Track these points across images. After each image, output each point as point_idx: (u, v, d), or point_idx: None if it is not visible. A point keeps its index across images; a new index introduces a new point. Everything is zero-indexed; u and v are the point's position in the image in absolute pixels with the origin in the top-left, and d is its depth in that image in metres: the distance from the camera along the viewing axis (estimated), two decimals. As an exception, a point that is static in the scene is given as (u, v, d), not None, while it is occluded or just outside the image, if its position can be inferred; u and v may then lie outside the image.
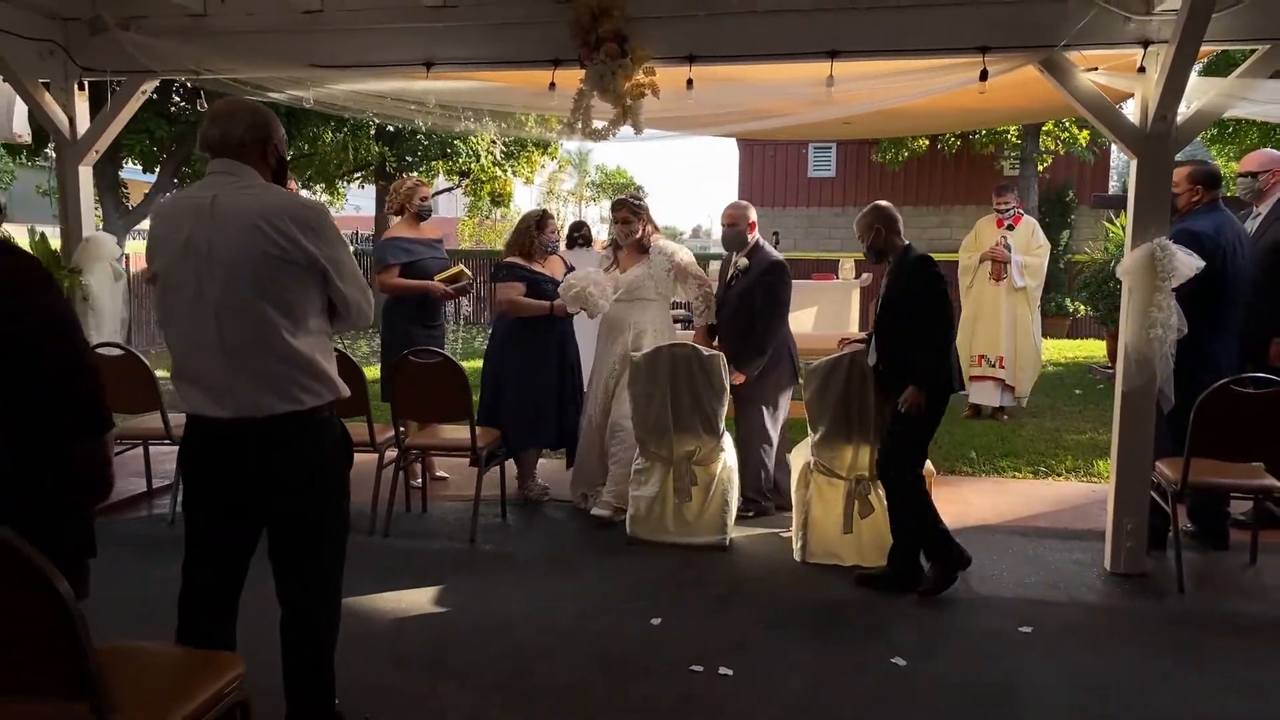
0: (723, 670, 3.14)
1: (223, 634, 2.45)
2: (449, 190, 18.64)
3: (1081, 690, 3.06)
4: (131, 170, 13.06)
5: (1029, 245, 7.43)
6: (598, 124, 4.35)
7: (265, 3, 4.61)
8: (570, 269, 5.14)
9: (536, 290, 4.93)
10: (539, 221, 5.13)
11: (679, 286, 4.97)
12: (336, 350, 2.70)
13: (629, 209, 4.90)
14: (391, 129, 13.23)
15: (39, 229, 5.40)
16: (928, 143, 15.22)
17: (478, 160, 15.36)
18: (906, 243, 4.01)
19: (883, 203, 4.10)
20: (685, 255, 4.94)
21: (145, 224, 14.24)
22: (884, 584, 3.93)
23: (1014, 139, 14.47)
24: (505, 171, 17.02)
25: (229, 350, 2.30)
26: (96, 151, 5.09)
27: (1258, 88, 3.90)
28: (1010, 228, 7.45)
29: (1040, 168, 14.68)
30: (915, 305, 3.80)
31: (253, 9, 4.67)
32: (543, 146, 16.62)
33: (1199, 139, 14.87)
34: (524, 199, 29.27)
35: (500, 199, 18.54)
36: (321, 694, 2.47)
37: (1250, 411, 3.78)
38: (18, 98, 5.22)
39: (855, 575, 4.03)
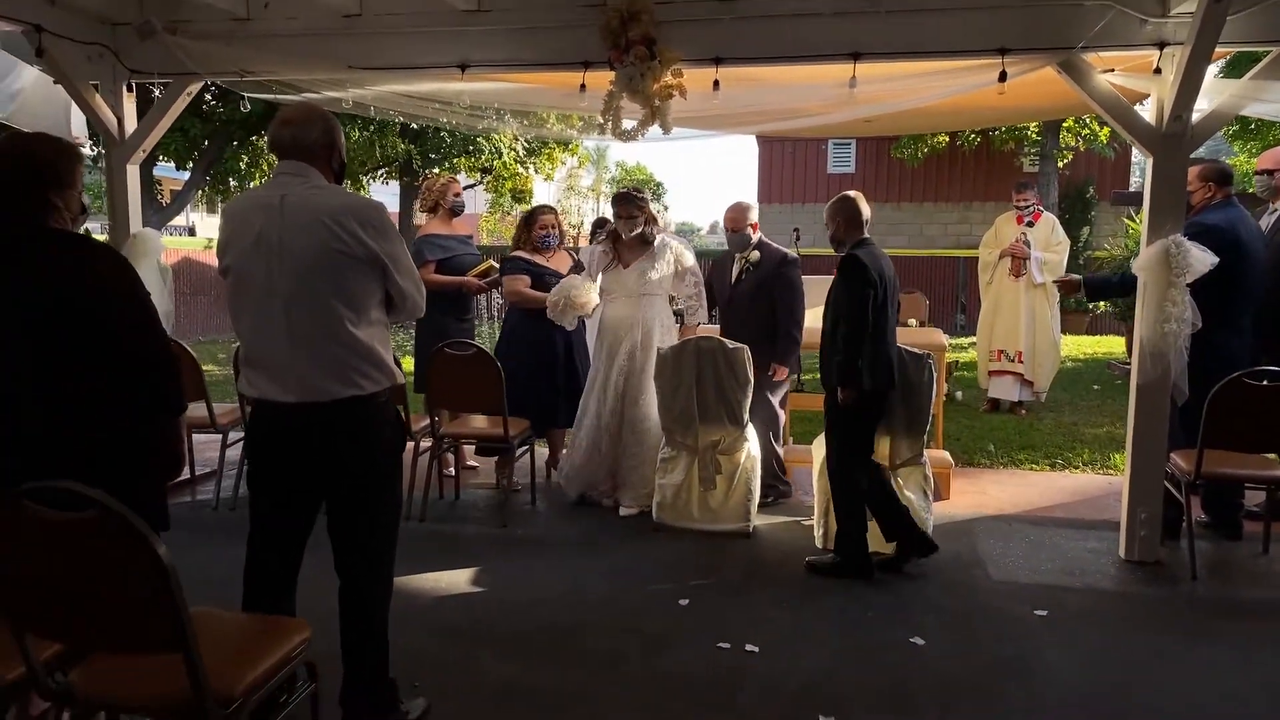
0: (749, 647, 3.29)
1: (284, 605, 2.62)
2: (471, 187, 18.85)
3: (1094, 668, 3.19)
4: (163, 167, 13.33)
5: (1048, 242, 7.51)
6: (627, 124, 4.49)
7: (306, 7, 4.76)
8: (577, 264, 5.25)
9: (540, 284, 5.07)
10: (528, 219, 5.33)
11: (677, 283, 5.03)
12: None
13: (635, 204, 4.91)
14: (415, 127, 13.44)
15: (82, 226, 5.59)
16: (947, 139, 15.27)
17: (500, 157, 15.57)
18: (862, 237, 4.06)
19: (850, 194, 4.20)
20: (690, 255, 5.04)
21: (179, 220, 14.53)
22: (894, 564, 4.11)
23: (1034, 135, 14.50)
24: (526, 168, 17.23)
25: (296, 338, 2.47)
26: (143, 151, 5.27)
27: (1271, 89, 3.99)
28: (1030, 224, 7.54)
29: (1060, 164, 14.70)
30: (837, 302, 3.98)
31: (294, 13, 4.83)
32: (563, 144, 16.81)
33: (1221, 135, 14.81)
34: (544, 195, 29.43)
35: (521, 195, 18.74)
36: (377, 659, 2.64)
37: (1262, 404, 3.88)
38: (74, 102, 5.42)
39: (807, 562, 4.15)
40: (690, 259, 5.02)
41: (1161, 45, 4.03)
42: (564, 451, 5.24)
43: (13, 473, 2.08)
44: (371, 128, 12.27)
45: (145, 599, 1.82)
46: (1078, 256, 16.07)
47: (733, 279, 5.10)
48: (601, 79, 4.50)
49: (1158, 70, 4.06)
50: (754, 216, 5.07)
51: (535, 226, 5.26)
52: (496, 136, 14.75)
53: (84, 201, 2.45)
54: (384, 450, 2.63)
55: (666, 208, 34.43)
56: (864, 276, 3.86)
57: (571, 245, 6.65)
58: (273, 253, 2.46)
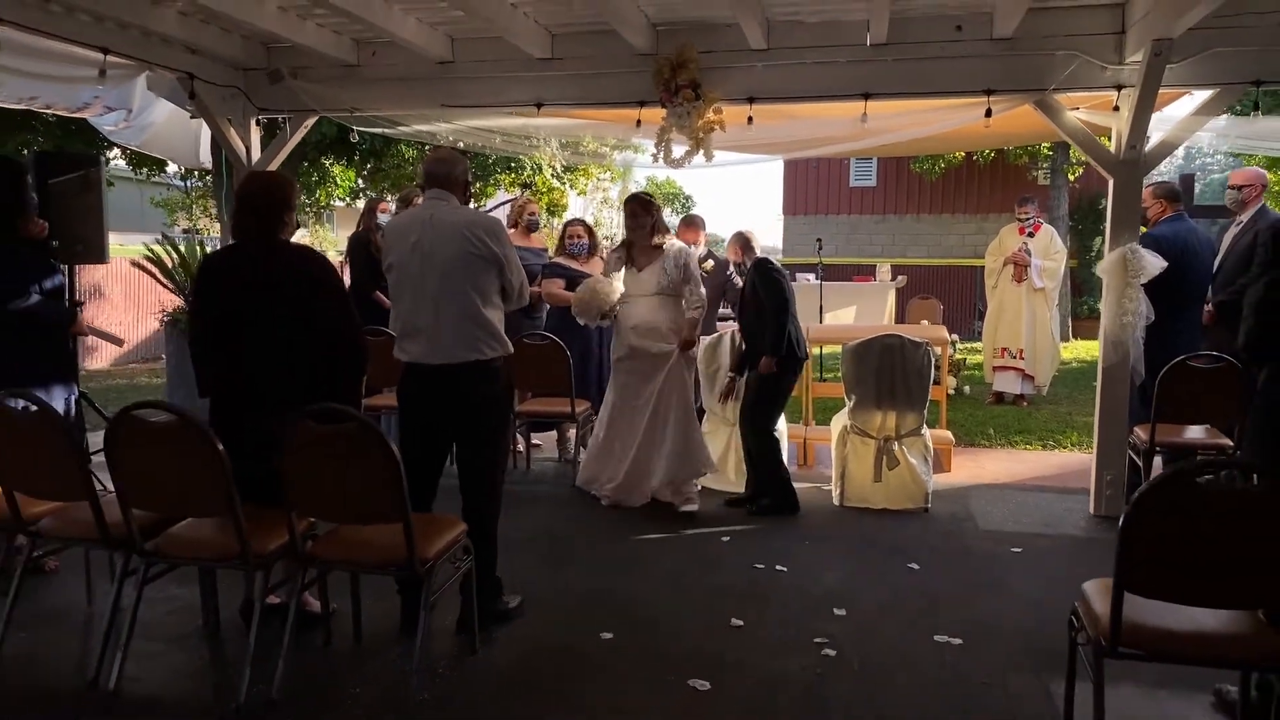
0: (779, 567, 4.19)
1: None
2: (508, 202, 19.84)
3: (1054, 583, 4.01)
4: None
5: (1047, 250, 8.36)
6: (676, 153, 5.40)
7: (407, 55, 5.71)
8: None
9: (574, 286, 5.78)
10: (566, 227, 6.33)
11: (685, 286, 5.15)
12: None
13: (638, 203, 5.19)
14: (463, 145, 14.47)
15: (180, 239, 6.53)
16: (964, 154, 16.01)
17: (540, 172, 16.53)
18: (757, 255, 5.15)
19: (744, 230, 5.29)
20: (694, 261, 5.24)
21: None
22: (766, 510, 5.03)
23: (1046, 151, 15.22)
24: (563, 183, 18.22)
25: (441, 316, 3.37)
26: (266, 175, 6.27)
27: (1209, 123, 4.84)
28: (1031, 235, 8.39)
29: (1071, 178, 15.41)
30: (759, 295, 4.92)
31: (396, 60, 5.80)
32: (599, 159, 17.75)
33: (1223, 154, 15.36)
34: (577, 208, 30.39)
35: (556, 209, 19.73)
36: (487, 559, 3.49)
37: (1204, 383, 4.69)
38: (203, 132, 6.43)
39: (748, 509, 5.09)
40: (694, 266, 5.23)
41: (1119, 87, 4.89)
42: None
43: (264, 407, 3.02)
44: (426, 147, 13.28)
45: (380, 484, 2.74)
46: (1089, 266, 16.77)
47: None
48: (654, 115, 5.42)
49: (1116, 108, 4.92)
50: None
51: (567, 235, 6.21)
52: (536, 154, 15.69)
53: (298, 219, 3.39)
54: (498, 400, 3.52)
55: (694, 220, 35.09)
56: (776, 269, 5.00)
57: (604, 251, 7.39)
58: (424, 254, 3.38)
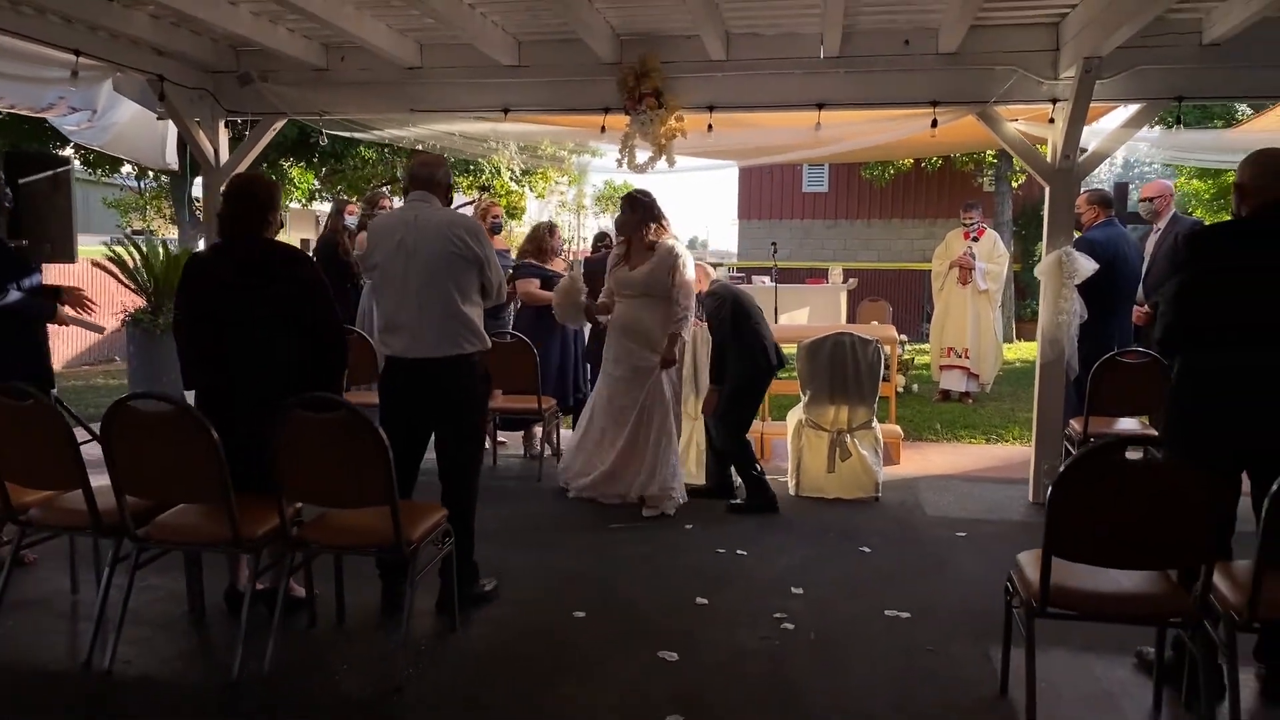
0: (739, 551, 4.42)
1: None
2: (470, 204, 19.88)
3: (995, 563, 4.27)
4: (198, 186, 14.31)
5: (991, 254, 8.74)
6: (640, 159, 5.62)
7: (375, 60, 5.84)
8: (571, 265, 6.24)
9: (548, 284, 6.07)
10: (551, 229, 6.56)
11: (674, 290, 4.99)
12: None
13: (626, 200, 5.20)
14: (422, 147, 14.52)
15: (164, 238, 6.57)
16: (912, 161, 16.49)
17: (498, 175, 16.66)
18: (713, 285, 5.33)
19: (696, 262, 5.42)
20: (688, 269, 5.02)
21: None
22: (743, 509, 5.18)
23: (991, 159, 15.75)
24: (521, 186, 18.36)
25: (424, 312, 3.54)
26: (234, 176, 6.35)
27: (1139, 134, 5.20)
28: (975, 239, 8.77)
29: (1015, 185, 15.97)
30: (712, 325, 5.20)
31: (365, 65, 5.93)
32: (557, 163, 17.93)
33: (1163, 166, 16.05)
34: (535, 212, 30.53)
35: (514, 212, 19.84)
36: (464, 544, 3.66)
37: (1132, 377, 5.03)
38: (169, 133, 6.48)
39: (727, 506, 5.21)
40: (689, 272, 5.04)
41: (1054, 101, 5.22)
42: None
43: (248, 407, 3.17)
44: (386, 149, 13.34)
45: (370, 468, 2.90)
46: (1033, 269, 17.39)
47: None
48: (618, 121, 5.64)
49: (1052, 120, 5.25)
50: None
51: (557, 237, 6.46)
52: (495, 157, 15.81)
53: (282, 219, 3.53)
54: (476, 392, 3.71)
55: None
56: (719, 300, 5.17)
57: (566, 255, 7.73)
58: (408, 253, 3.55)
